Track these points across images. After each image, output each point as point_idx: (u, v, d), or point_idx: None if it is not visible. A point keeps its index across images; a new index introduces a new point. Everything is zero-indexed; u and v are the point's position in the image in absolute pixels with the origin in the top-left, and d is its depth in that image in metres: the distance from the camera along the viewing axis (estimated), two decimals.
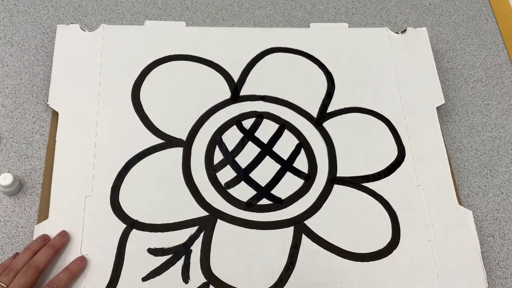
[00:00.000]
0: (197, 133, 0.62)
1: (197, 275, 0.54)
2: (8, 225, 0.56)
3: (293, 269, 0.56)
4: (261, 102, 0.65)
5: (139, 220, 0.56)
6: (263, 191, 0.60)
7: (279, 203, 0.59)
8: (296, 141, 0.63)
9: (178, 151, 0.61)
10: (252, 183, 0.60)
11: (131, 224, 0.56)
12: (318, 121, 0.65)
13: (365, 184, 0.61)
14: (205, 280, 0.54)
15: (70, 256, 0.53)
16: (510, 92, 0.73)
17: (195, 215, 0.57)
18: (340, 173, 0.62)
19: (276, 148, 0.62)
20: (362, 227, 0.59)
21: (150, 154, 0.60)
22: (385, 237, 0.58)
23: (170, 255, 0.55)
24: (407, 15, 0.78)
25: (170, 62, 0.66)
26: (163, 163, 0.60)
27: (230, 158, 0.61)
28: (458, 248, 0.59)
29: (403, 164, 0.63)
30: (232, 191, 0.59)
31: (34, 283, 0.49)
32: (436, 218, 0.60)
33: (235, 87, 0.66)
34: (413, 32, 0.72)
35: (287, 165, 0.62)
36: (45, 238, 0.53)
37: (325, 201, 0.60)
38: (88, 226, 0.55)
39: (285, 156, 0.62)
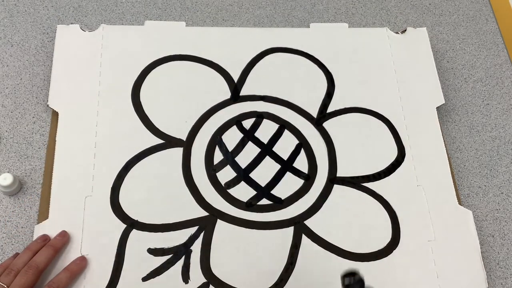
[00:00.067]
0: (197, 133, 0.62)
1: (197, 275, 0.54)
2: (8, 225, 0.56)
3: (293, 269, 0.56)
4: (261, 102, 0.65)
5: (139, 220, 0.56)
6: (263, 191, 0.60)
7: (279, 203, 0.59)
8: (296, 141, 0.63)
9: (178, 151, 0.61)
10: (252, 183, 0.60)
11: (131, 224, 0.56)
12: (318, 121, 0.65)
13: (365, 184, 0.61)
14: (205, 280, 0.54)
15: (70, 256, 0.53)
16: (510, 92, 0.73)
17: (195, 215, 0.57)
18: (340, 173, 0.62)
19: (276, 148, 0.62)
20: (362, 227, 0.59)
21: (150, 154, 0.60)
22: (385, 237, 0.58)
23: (170, 255, 0.55)
24: (407, 15, 0.78)
25: (170, 62, 0.66)
26: (163, 163, 0.60)
27: (230, 158, 0.61)
28: (458, 248, 0.59)
29: (403, 164, 0.63)
30: (232, 191, 0.59)
31: (34, 283, 0.49)
32: (436, 218, 0.60)
33: (235, 87, 0.66)
34: (413, 32, 0.72)
35: (287, 165, 0.62)
36: (45, 238, 0.53)
37: (325, 201, 0.60)
38: (88, 226, 0.55)
39: (285, 156, 0.62)
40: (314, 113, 0.65)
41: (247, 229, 0.57)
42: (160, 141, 0.61)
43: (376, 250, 0.58)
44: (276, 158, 0.62)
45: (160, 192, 0.58)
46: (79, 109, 0.61)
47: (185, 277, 0.54)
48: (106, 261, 0.54)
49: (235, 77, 0.66)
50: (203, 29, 0.70)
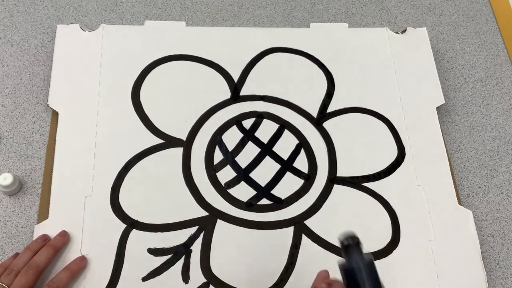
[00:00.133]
0: (197, 133, 0.62)
1: (197, 275, 0.54)
2: (8, 225, 0.56)
3: (293, 269, 0.56)
4: (261, 102, 0.65)
5: (139, 220, 0.56)
6: (263, 191, 0.60)
7: (279, 203, 0.59)
8: (296, 141, 0.63)
9: (178, 151, 0.61)
10: (252, 183, 0.60)
11: (131, 224, 0.56)
12: (318, 121, 0.65)
13: (365, 184, 0.61)
14: (205, 280, 0.54)
15: (70, 256, 0.53)
16: (510, 92, 0.73)
17: (195, 215, 0.57)
18: (340, 173, 0.62)
19: (276, 148, 0.62)
20: (362, 227, 0.59)
21: (150, 154, 0.60)
22: (385, 237, 0.58)
23: (170, 255, 0.55)
24: (407, 15, 0.78)
25: (170, 62, 0.66)
26: (163, 163, 0.60)
27: (230, 158, 0.61)
28: (458, 248, 0.59)
29: (403, 164, 0.63)
30: (232, 191, 0.59)
31: (34, 283, 0.49)
32: (436, 218, 0.60)
33: (235, 87, 0.66)
34: (413, 32, 0.72)
35: (287, 165, 0.62)
36: (45, 238, 0.53)
37: (325, 201, 0.60)
38: (88, 226, 0.55)
39: (285, 156, 0.62)
40: (314, 113, 0.65)
41: (247, 229, 0.57)
42: (160, 141, 0.61)
43: (376, 250, 0.58)
44: (276, 158, 0.62)
45: (160, 192, 0.58)
46: (79, 109, 0.61)
47: (185, 277, 0.54)
48: (106, 261, 0.54)
49: (235, 77, 0.66)
50: (203, 29, 0.70)
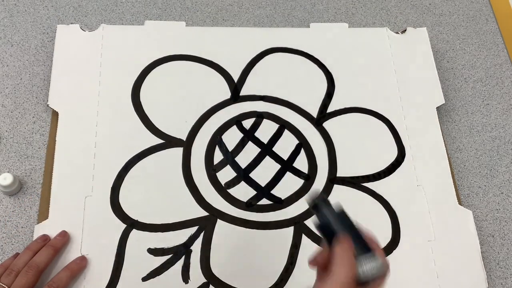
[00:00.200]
0: (197, 133, 0.62)
1: (197, 275, 0.54)
2: (8, 225, 0.56)
3: (293, 269, 0.56)
4: (261, 102, 0.65)
5: (139, 220, 0.56)
6: (263, 191, 0.60)
7: (279, 203, 0.59)
8: (296, 141, 0.63)
9: (178, 151, 0.61)
10: (252, 183, 0.60)
11: (131, 224, 0.56)
12: (318, 121, 0.65)
13: (365, 184, 0.61)
14: (205, 280, 0.54)
15: (70, 256, 0.53)
16: (510, 92, 0.73)
17: (195, 215, 0.57)
18: (340, 173, 0.62)
19: (276, 148, 0.62)
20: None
21: (150, 154, 0.60)
22: (385, 237, 0.58)
23: (170, 255, 0.55)
24: (407, 15, 0.78)
25: (170, 62, 0.66)
26: (163, 163, 0.60)
27: (230, 158, 0.61)
28: (458, 248, 0.59)
29: (403, 164, 0.63)
30: (232, 191, 0.59)
31: (35, 283, 0.49)
32: (436, 218, 0.60)
33: (235, 87, 0.66)
34: (413, 32, 0.72)
35: (287, 165, 0.62)
36: (45, 238, 0.53)
37: None
38: (88, 226, 0.55)
39: (285, 156, 0.62)
40: (314, 113, 0.65)
41: (247, 229, 0.57)
42: (160, 141, 0.61)
43: None
44: (276, 158, 0.62)
45: (160, 192, 0.58)
46: (79, 109, 0.61)
47: (185, 277, 0.54)
48: (106, 261, 0.54)
49: (235, 77, 0.66)
50: (203, 29, 0.70)
